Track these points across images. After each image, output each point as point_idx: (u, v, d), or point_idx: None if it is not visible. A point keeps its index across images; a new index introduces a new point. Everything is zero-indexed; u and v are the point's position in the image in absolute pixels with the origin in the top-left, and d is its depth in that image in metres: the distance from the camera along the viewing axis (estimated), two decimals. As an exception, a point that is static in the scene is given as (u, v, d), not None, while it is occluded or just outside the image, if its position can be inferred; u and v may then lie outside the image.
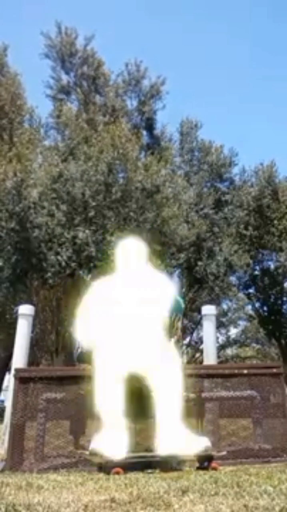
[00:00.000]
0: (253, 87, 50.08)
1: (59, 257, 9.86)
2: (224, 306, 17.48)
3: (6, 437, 2.89)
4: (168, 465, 2.30)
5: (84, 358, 2.82)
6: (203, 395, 3.02)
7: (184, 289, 15.73)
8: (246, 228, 15.41)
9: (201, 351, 12.91)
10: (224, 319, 18.27)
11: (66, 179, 10.30)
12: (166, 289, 2.94)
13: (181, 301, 2.98)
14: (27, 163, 10.22)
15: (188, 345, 19.22)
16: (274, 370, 3.06)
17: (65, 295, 10.96)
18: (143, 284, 2.92)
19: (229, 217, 15.17)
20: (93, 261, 10.10)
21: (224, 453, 2.43)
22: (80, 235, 9.88)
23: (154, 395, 2.49)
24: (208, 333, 4.35)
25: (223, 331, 19.31)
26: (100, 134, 11.38)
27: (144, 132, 15.35)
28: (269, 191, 15.67)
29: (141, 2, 49.26)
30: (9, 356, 10.21)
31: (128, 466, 2.14)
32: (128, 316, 2.80)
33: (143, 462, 2.30)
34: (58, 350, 11.70)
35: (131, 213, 10.62)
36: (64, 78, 14.84)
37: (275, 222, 15.47)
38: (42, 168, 10.80)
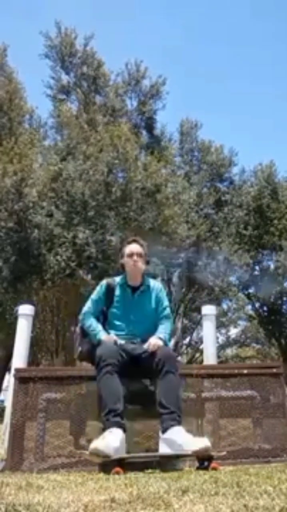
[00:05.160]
0: (253, 87, 50.04)
1: (58, 257, 9.86)
2: (224, 306, 17.47)
3: (6, 437, 2.89)
4: (168, 465, 2.30)
5: (85, 356, 2.82)
6: (203, 395, 3.02)
7: (184, 289, 15.75)
8: (246, 228, 15.42)
9: (201, 351, 12.91)
10: (224, 319, 18.26)
11: (65, 179, 10.30)
12: (163, 296, 2.96)
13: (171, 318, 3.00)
14: (27, 163, 10.22)
15: (188, 345, 19.23)
16: (274, 370, 3.06)
17: (65, 295, 10.95)
18: (144, 285, 2.92)
19: (229, 217, 15.18)
20: (93, 261, 10.10)
21: (224, 453, 2.43)
22: (80, 235, 9.88)
23: (154, 395, 2.49)
24: (208, 333, 4.35)
25: (223, 331, 19.30)
26: (100, 134, 11.37)
27: (144, 132, 15.37)
28: (268, 191, 15.67)
29: (143, 2, 49.25)
30: (9, 356, 10.21)
31: (128, 466, 2.14)
32: (129, 316, 2.80)
33: (143, 462, 2.30)
34: (58, 350, 11.70)
35: (131, 213, 10.62)
36: (64, 78, 14.86)
37: (275, 221, 15.47)
38: (42, 168, 10.81)
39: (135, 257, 2.88)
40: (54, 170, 10.44)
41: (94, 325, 2.79)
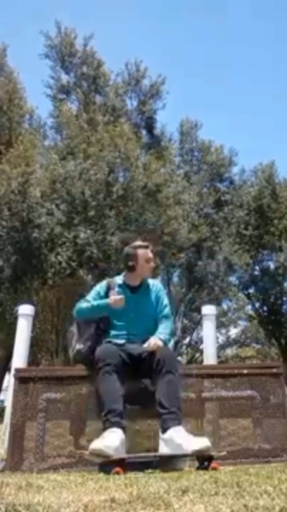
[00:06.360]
0: (253, 87, 50.06)
1: (59, 257, 9.86)
2: (224, 306, 17.48)
3: (6, 437, 2.89)
4: (168, 465, 2.29)
5: (81, 358, 2.81)
6: (203, 395, 3.01)
7: (184, 289, 15.76)
8: (246, 228, 15.43)
9: (201, 351, 12.92)
10: (224, 319, 18.27)
11: (65, 178, 10.30)
12: (163, 296, 2.96)
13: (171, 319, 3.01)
14: (31, 164, 10.26)
15: (188, 345, 19.24)
16: (274, 370, 3.06)
17: (65, 295, 10.96)
18: (144, 284, 2.92)
19: (229, 217, 15.18)
20: (94, 261, 10.11)
21: (224, 453, 2.43)
22: (82, 235, 9.88)
23: (154, 395, 2.49)
24: (208, 333, 4.34)
25: (223, 331, 19.31)
26: (100, 134, 11.38)
27: (144, 132, 15.37)
28: (268, 191, 15.68)
29: (144, 2, 49.26)
30: (9, 356, 10.22)
31: (128, 466, 2.13)
32: (129, 316, 2.79)
33: (143, 462, 2.30)
34: (58, 350, 11.71)
35: (132, 213, 10.62)
36: (64, 78, 14.86)
37: (275, 222, 15.49)
38: (43, 168, 10.82)
39: (152, 263, 2.94)
40: (55, 170, 10.45)
41: (89, 302, 2.83)
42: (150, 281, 2.98)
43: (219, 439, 2.90)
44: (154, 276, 3.39)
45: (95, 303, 2.81)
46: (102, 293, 2.87)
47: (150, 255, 2.93)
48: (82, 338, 2.83)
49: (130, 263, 2.87)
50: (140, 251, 2.90)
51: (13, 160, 10.31)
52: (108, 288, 2.88)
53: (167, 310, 2.92)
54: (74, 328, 2.90)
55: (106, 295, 2.85)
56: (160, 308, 2.89)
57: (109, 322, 2.82)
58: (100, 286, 2.92)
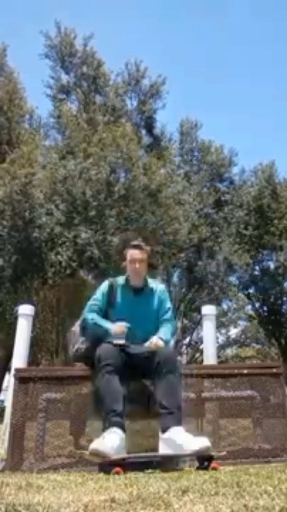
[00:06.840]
0: (253, 87, 50.03)
1: (59, 257, 9.86)
2: (224, 306, 17.47)
3: (6, 437, 2.89)
4: (168, 465, 2.29)
5: (81, 357, 2.81)
6: (203, 395, 3.01)
7: (184, 289, 15.75)
8: (246, 228, 15.42)
9: (201, 351, 12.91)
10: (224, 319, 18.26)
11: (66, 178, 10.31)
12: (164, 296, 2.95)
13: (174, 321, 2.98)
14: (33, 165, 10.29)
15: (188, 345, 19.22)
16: (274, 370, 3.06)
17: (66, 295, 10.96)
18: (147, 286, 2.91)
19: (229, 217, 15.18)
20: (95, 261, 10.11)
21: (224, 453, 2.43)
22: (83, 235, 9.88)
23: (154, 395, 2.49)
24: (208, 333, 4.35)
25: (223, 331, 19.30)
26: (100, 134, 11.38)
27: (144, 132, 15.37)
28: (268, 191, 15.68)
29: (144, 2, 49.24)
30: (9, 356, 10.21)
31: (128, 466, 2.13)
32: (130, 317, 2.79)
33: (143, 462, 2.30)
34: (58, 350, 11.70)
35: (133, 213, 10.62)
36: (64, 78, 14.85)
37: (275, 222, 15.48)
38: (44, 168, 10.83)
39: (136, 265, 2.84)
40: (56, 170, 10.45)
41: (97, 317, 2.80)
42: (154, 283, 2.96)
43: (219, 439, 2.90)
44: (153, 276, 3.34)
45: (100, 323, 2.76)
46: (105, 295, 2.87)
47: (137, 256, 2.85)
48: (81, 338, 2.83)
49: (123, 263, 2.87)
50: (127, 251, 2.88)
51: (17, 161, 10.33)
52: (110, 289, 2.87)
53: (169, 314, 2.92)
54: (77, 327, 2.90)
55: (109, 296, 2.84)
56: (162, 311, 2.88)
57: (110, 322, 2.81)
58: (104, 287, 2.91)
